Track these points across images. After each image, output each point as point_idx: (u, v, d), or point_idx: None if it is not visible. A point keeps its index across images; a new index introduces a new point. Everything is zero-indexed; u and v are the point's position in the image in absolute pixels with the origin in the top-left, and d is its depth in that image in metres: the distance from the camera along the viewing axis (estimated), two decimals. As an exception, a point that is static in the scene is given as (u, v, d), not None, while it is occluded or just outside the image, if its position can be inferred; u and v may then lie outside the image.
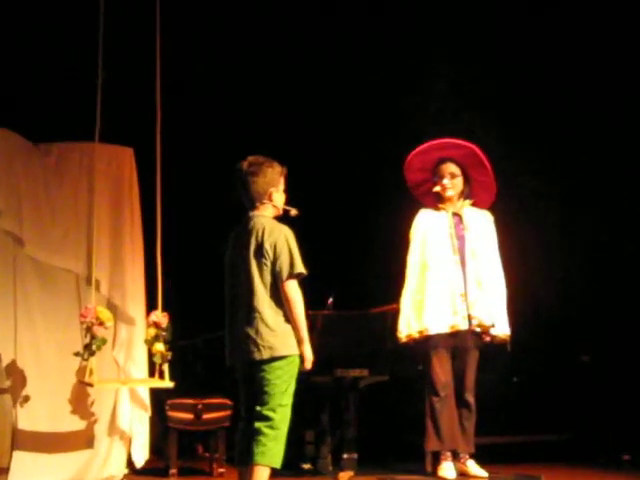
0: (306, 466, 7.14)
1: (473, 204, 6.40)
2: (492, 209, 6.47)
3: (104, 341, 6.23)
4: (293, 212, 5.24)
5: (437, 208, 6.38)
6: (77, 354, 6.23)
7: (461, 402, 6.25)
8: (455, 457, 6.25)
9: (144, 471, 6.90)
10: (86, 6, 6.54)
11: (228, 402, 7.07)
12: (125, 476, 6.82)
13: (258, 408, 4.99)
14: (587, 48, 8.12)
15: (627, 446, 7.59)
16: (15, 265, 6.63)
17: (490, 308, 6.17)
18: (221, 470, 7.02)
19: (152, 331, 6.28)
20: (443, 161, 6.30)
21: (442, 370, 6.18)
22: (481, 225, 6.35)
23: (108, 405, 6.84)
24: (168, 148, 6.38)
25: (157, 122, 6.35)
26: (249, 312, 5.02)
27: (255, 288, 5.01)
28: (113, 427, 6.82)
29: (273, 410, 4.97)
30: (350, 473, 6.58)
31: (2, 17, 7.16)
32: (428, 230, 6.30)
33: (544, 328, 8.35)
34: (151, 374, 6.52)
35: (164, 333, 6.27)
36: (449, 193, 6.31)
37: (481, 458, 6.34)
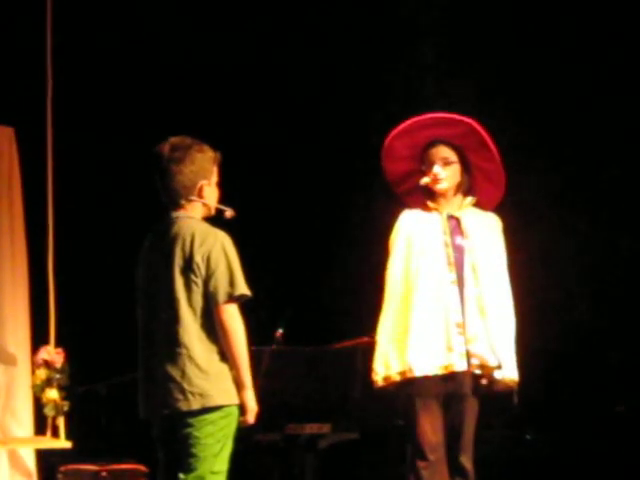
0: None
1: (475, 203, 5.74)
2: (500, 211, 5.79)
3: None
4: (229, 213, 4.73)
5: (427, 208, 5.70)
6: None
7: (455, 468, 5.54)
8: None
9: None
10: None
11: (142, 468, 6.51)
12: None
13: (182, 477, 4.52)
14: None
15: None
16: None
17: (495, 343, 5.53)
18: None
19: (42, 373, 5.97)
20: (433, 144, 5.64)
21: (431, 426, 5.48)
22: (485, 232, 5.65)
23: (-22, 474, 6.47)
24: (61, 129, 6.13)
25: (47, 96, 6.05)
26: (172, 348, 4.54)
27: (180, 316, 4.53)
28: (-15, 503, 6.41)
29: (202, 479, 4.52)
30: None
31: None
32: (414, 237, 5.61)
33: (566, 370, 7.79)
34: (40, 431, 6.27)
35: (58, 376, 5.97)
36: (441, 185, 5.60)
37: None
